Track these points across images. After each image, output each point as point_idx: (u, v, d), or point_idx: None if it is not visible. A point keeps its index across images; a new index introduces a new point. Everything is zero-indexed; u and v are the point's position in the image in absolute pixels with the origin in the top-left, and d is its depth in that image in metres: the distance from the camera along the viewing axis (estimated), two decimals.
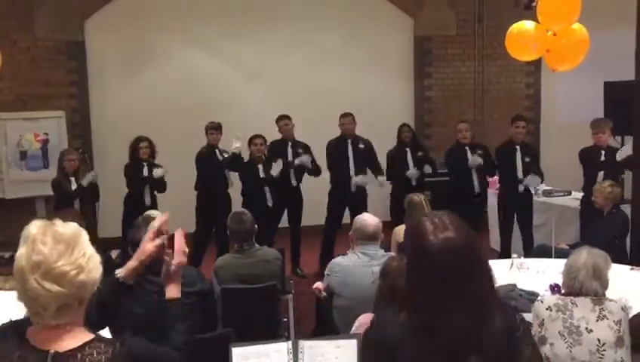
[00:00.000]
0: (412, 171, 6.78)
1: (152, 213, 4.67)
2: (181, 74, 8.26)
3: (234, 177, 6.70)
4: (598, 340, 2.79)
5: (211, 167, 6.56)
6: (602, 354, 2.77)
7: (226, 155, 6.60)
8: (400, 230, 4.80)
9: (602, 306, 2.86)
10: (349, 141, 6.70)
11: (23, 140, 7.63)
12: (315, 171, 6.74)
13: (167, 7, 8.19)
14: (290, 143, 6.72)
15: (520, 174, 6.37)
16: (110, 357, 1.53)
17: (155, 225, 1.93)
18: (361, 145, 6.72)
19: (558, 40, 4.66)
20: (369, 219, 3.86)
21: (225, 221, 6.42)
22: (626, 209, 5.27)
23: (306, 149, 6.76)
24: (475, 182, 6.61)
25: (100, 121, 8.16)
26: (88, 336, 1.56)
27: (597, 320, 2.83)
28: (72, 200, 6.12)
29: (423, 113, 8.83)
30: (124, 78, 8.23)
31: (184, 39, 8.27)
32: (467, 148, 6.63)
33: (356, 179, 6.56)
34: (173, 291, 1.90)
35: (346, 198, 6.68)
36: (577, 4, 4.28)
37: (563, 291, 3.08)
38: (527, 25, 4.54)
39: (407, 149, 6.90)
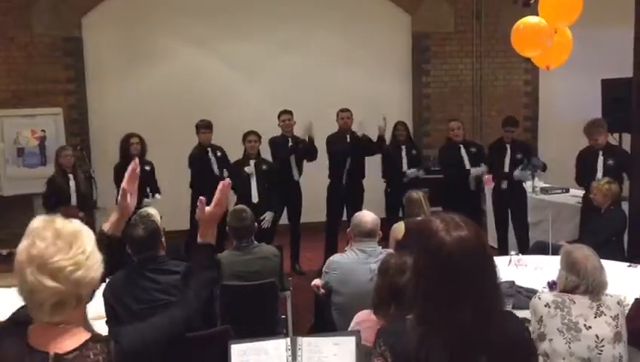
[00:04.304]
0: (411, 171, 6.80)
1: (147, 210, 4.66)
2: (179, 71, 8.25)
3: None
4: (597, 336, 2.80)
5: (203, 168, 6.50)
6: (601, 350, 2.78)
7: (219, 154, 6.52)
8: (399, 227, 4.79)
9: (599, 302, 2.88)
10: (348, 136, 6.74)
11: (20, 137, 7.61)
12: (314, 150, 6.67)
13: (165, 3, 8.17)
14: (290, 139, 6.71)
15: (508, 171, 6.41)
16: (106, 358, 1.52)
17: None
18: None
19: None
20: (367, 216, 3.85)
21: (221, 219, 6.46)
22: (624, 206, 5.28)
23: (310, 147, 6.73)
24: (472, 181, 6.62)
25: (98, 118, 8.15)
26: (86, 336, 1.54)
27: (595, 317, 2.84)
28: (69, 197, 6.10)
29: (421, 110, 8.83)
30: (121, 75, 8.21)
31: (182, 36, 8.25)
32: (461, 145, 6.63)
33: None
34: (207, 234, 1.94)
35: (342, 193, 6.72)
36: (579, 1, 4.27)
37: (560, 289, 3.07)
38: (534, 20, 4.52)
39: (403, 147, 6.90)
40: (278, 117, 6.72)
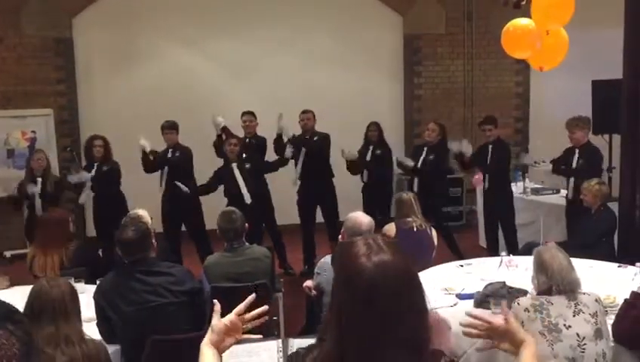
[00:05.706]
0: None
1: (137, 212, 4.63)
2: (170, 71, 8.22)
3: None
4: (578, 335, 2.81)
5: (161, 168, 6.43)
6: (584, 349, 2.79)
7: (177, 154, 6.41)
8: (390, 228, 4.80)
9: (576, 301, 2.89)
10: (307, 137, 6.70)
11: (10, 138, 7.58)
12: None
13: (156, 4, 8.14)
14: (247, 140, 6.68)
15: (488, 173, 6.43)
16: (18, 339, 1.52)
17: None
18: (315, 138, 6.68)
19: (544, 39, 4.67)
20: (362, 218, 3.84)
21: (190, 219, 6.45)
22: (614, 207, 5.31)
23: (261, 144, 6.75)
24: (415, 181, 6.65)
25: (89, 119, 8.10)
26: None
27: (574, 316, 2.85)
28: (32, 202, 5.96)
29: (413, 111, 8.84)
30: (112, 76, 8.18)
31: (174, 36, 8.22)
32: (425, 148, 6.66)
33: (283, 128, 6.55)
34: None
35: (311, 194, 6.70)
36: (571, 3, 4.29)
37: (536, 292, 3.09)
38: (524, 22, 4.53)
39: (370, 147, 6.99)
40: (241, 117, 6.71)
